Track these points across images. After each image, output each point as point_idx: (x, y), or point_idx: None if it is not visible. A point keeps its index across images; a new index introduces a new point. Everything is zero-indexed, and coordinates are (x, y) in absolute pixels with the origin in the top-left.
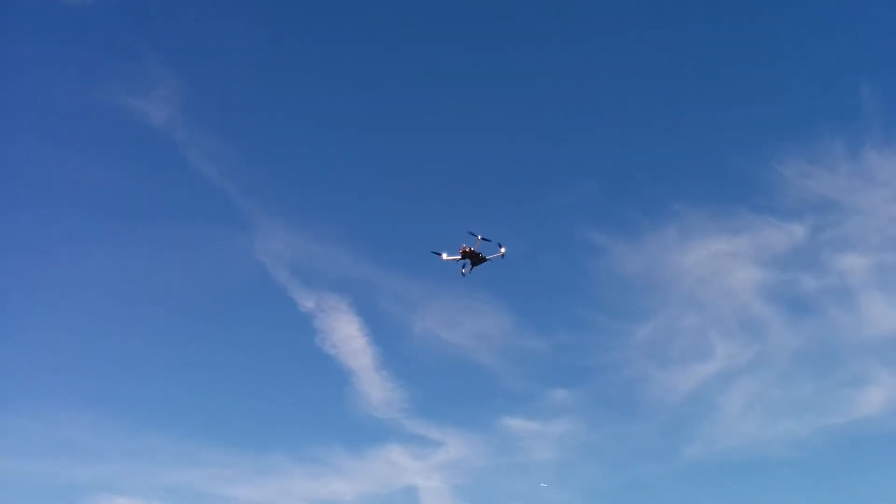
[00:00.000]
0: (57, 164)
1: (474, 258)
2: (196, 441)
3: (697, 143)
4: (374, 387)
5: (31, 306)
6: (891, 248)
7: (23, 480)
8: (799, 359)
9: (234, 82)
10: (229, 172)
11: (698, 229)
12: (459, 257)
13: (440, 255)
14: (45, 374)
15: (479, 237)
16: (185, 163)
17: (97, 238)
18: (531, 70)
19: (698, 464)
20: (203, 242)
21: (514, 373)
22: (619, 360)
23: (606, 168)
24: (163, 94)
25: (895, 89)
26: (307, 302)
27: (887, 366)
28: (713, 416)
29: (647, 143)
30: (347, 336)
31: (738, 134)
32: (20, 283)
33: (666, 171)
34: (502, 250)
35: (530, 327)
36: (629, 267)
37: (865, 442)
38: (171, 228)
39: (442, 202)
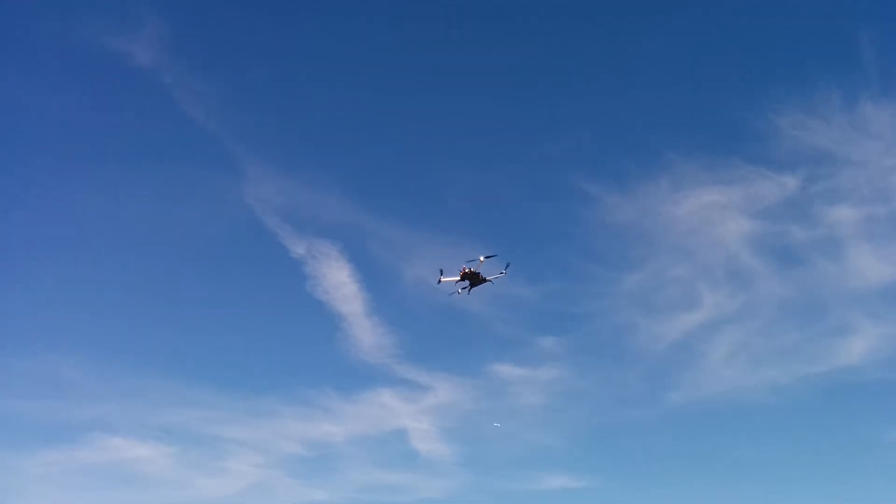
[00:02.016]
0: (40, 105)
1: (474, 279)
2: (189, 383)
3: (692, 92)
4: (365, 332)
5: (24, 251)
6: (881, 201)
7: (19, 420)
8: (784, 309)
9: (223, 22)
10: (218, 115)
11: (690, 179)
12: (458, 278)
13: (439, 278)
14: (40, 317)
15: (482, 258)
16: (173, 105)
17: (84, 182)
18: (525, 19)
19: (682, 410)
20: (191, 186)
21: (503, 320)
22: (607, 309)
23: (599, 117)
24: (149, 34)
25: (895, 38)
26: (298, 248)
27: (871, 317)
28: (698, 363)
29: (641, 92)
30: (338, 282)
31: (734, 83)
32: (10, 228)
33: (659, 121)
34: (505, 272)
35: (521, 276)
36: (620, 216)
37: (846, 390)
38: (159, 172)
39: (434, 151)
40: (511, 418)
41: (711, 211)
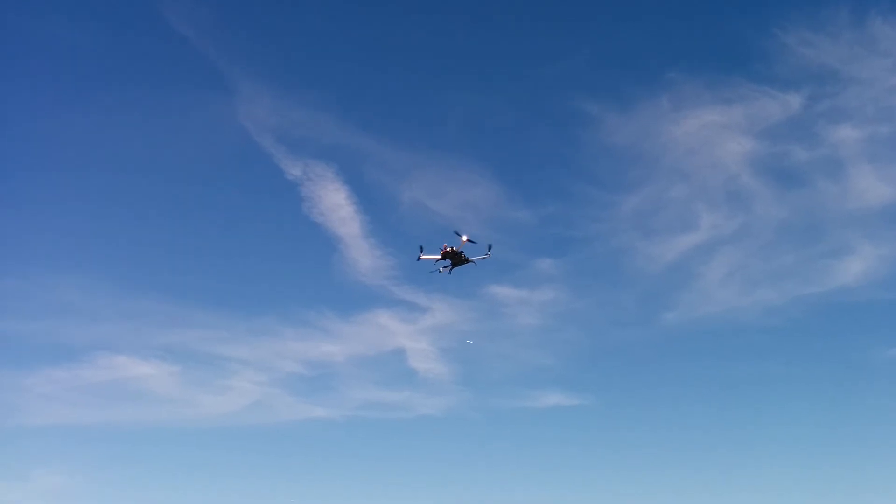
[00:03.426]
0: (31, 28)
1: (456, 259)
2: (189, 303)
3: (695, 8)
4: (362, 254)
5: (22, 175)
6: (885, 120)
7: (23, 340)
8: (783, 230)
9: None
10: (210, 34)
11: (692, 99)
12: (439, 257)
13: (419, 255)
14: (40, 240)
15: (465, 238)
16: (164, 24)
17: (77, 104)
18: None
19: (677, 330)
20: (184, 107)
21: (501, 242)
22: (605, 231)
23: (599, 37)
24: None
25: None
26: (293, 170)
27: (869, 238)
28: (693, 285)
29: (642, 10)
30: (335, 205)
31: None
32: (7, 153)
33: (661, 39)
34: (489, 254)
35: (518, 198)
36: (620, 137)
37: (841, 310)
38: (152, 93)
39: (432, 72)
40: (507, 339)
41: (712, 131)
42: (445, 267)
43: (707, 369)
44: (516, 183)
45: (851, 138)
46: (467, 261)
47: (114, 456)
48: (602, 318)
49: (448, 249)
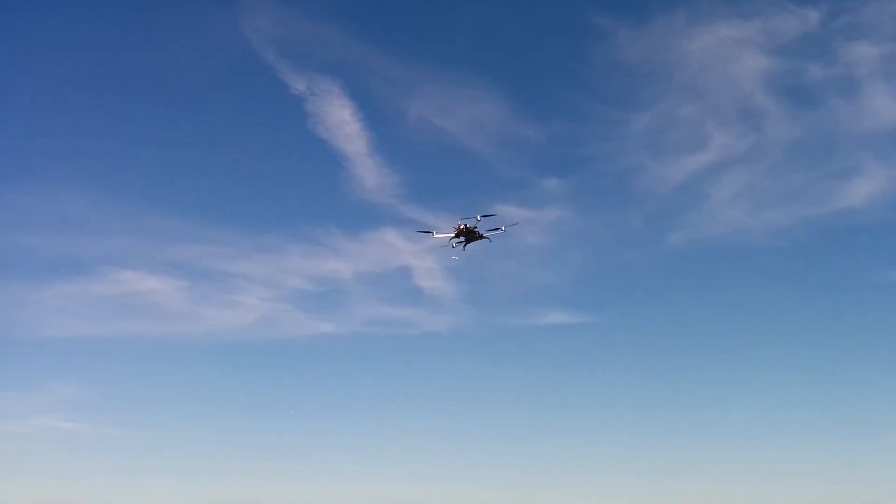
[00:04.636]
0: None
1: (470, 235)
2: (196, 219)
3: None
4: (369, 172)
5: (29, 89)
6: None
7: (31, 254)
8: (793, 150)
9: None
10: None
11: (709, 12)
12: (453, 235)
13: (429, 233)
14: (46, 155)
15: (479, 217)
16: None
17: (77, 19)
18: None
19: (682, 251)
20: (185, 17)
21: (508, 161)
22: (613, 150)
23: None
24: None
25: None
26: (298, 84)
27: (880, 158)
28: (701, 205)
29: None
30: (340, 121)
31: None
32: (11, 70)
33: None
34: (504, 229)
35: (527, 115)
36: (632, 53)
37: (847, 231)
38: (151, 2)
39: None
40: (512, 258)
41: (727, 47)
42: (459, 243)
43: (711, 290)
44: (525, 100)
45: (868, 56)
46: (482, 237)
47: (125, 368)
48: (608, 238)
49: (462, 227)
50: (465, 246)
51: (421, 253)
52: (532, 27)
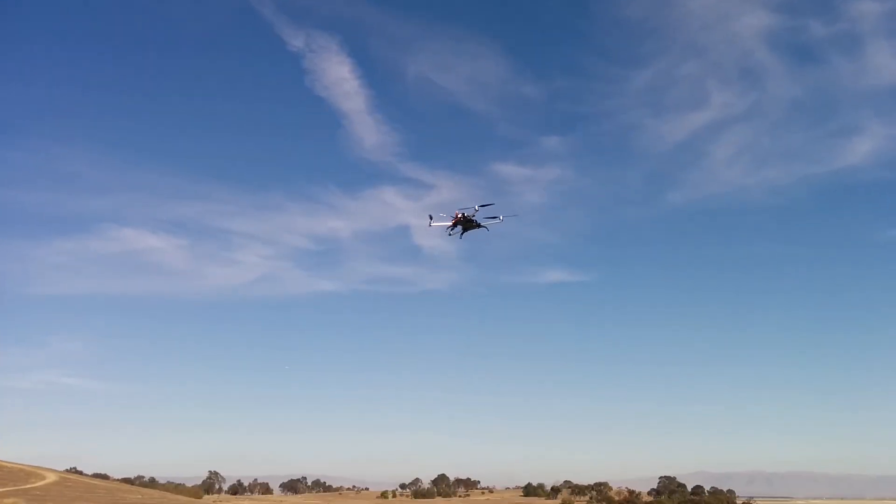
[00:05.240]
0: None
1: (467, 224)
2: (195, 177)
3: None
4: (368, 130)
5: (26, 45)
6: None
7: (30, 211)
8: (794, 108)
9: None
10: None
11: None
12: (451, 223)
13: (429, 222)
14: (46, 111)
15: (477, 207)
16: None
17: None
18: None
19: (681, 209)
20: None
21: (507, 119)
22: (614, 108)
23: None
24: None
25: None
26: (296, 40)
27: (881, 116)
28: (700, 163)
29: None
30: (339, 78)
31: None
32: (12, 23)
33: None
34: (501, 218)
35: (527, 73)
36: (634, 10)
37: (846, 190)
38: None
39: None
40: (512, 217)
41: (730, 4)
42: (455, 231)
43: (710, 248)
44: (525, 57)
45: (872, 13)
46: (479, 226)
47: (126, 325)
48: (607, 196)
49: (460, 216)
50: (462, 234)
51: (420, 211)
52: None
